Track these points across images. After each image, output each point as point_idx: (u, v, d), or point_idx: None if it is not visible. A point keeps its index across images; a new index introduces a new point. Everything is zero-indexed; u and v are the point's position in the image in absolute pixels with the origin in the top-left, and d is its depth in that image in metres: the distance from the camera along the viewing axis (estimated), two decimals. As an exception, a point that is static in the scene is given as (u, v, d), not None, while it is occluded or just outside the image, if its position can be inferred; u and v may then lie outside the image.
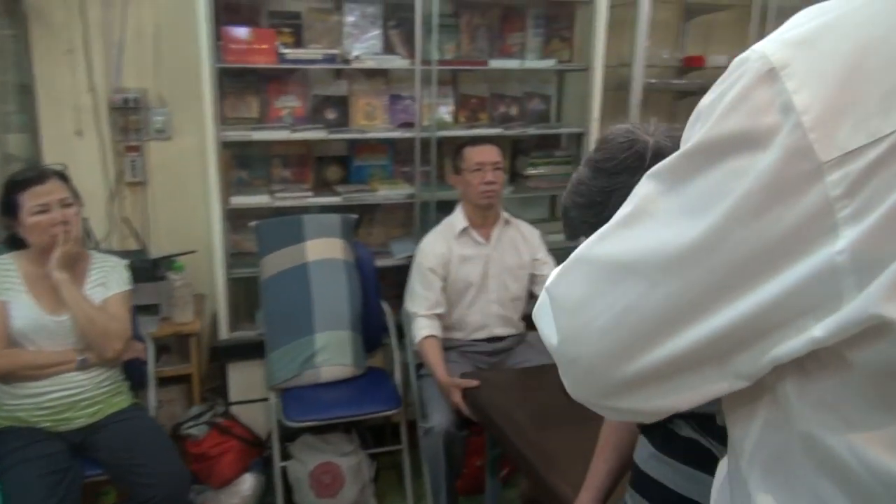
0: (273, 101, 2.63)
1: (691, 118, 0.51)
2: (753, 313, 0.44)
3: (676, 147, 0.92)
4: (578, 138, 2.81)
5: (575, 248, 0.58)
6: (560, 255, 2.32)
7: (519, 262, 2.33)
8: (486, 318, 2.31)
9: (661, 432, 1.09)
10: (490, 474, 2.06)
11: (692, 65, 3.02)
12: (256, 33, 2.41)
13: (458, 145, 2.36)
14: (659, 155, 0.95)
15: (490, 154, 2.25)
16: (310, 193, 2.56)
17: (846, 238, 0.39)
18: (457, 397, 2.01)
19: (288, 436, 2.33)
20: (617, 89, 2.83)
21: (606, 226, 0.54)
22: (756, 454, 0.51)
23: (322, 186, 2.70)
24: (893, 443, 0.41)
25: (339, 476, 2.21)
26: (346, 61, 2.52)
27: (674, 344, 0.49)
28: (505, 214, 2.37)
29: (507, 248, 2.33)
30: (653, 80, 2.86)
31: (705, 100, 0.49)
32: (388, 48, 2.67)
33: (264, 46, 2.42)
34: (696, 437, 1.03)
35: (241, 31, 2.37)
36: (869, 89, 0.39)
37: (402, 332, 2.50)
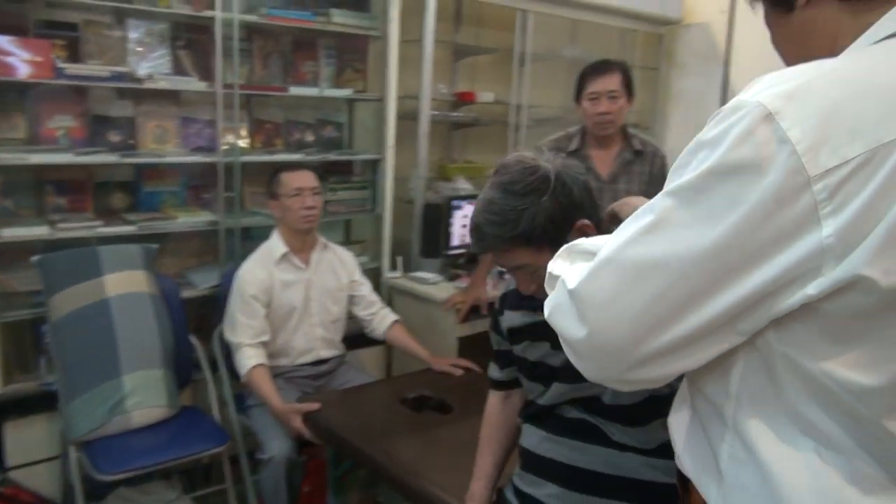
0: (45, 121, 2.34)
1: (690, 147, 0.67)
2: (763, 285, 0.62)
3: (572, 174, 1.11)
4: (374, 164, 2.95)
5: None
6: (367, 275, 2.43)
7: (338, 284, 2.39)
8: (311, 341, 2.33)
9: (552, 419, 1.27)
10: (334, 493, 2.08)
11: (464, 99, 3.36)
12: (27, 44, 2.14)
13: (274, 171, 2.35)
14: (560, 179, 1.13)
15: (308, 179, 2.28)
16: (98, 223, 2.32)
17: (830, 227, 0.59)
18: (297, 422, 2.00)
19: (94, 493, 2.07)
20: (403, 118, 3.04)
21: (627, 234, 0.68)
22: (741, 395, 0.69)
23: (106, 215, 2.46)
24: (854, 363, 0.61)
25: (164, 527, 2.04)
26: (137, 80, 2.35)
27: (695, 318, 0.64)
28: (322, 239, 2.41)
29: (325, 271, 2.37)
30: (435, 112, 3.12)
31: (707, 134, 0.65)
32: (178, 69, 2.55)
33: (38, 59, 2.16)
34: (584, 417, 1.23)
35: (2, 40, 2.08)
36: (839, 129, 0.59)
37: (215, 366, 2.38)
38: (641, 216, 0.68)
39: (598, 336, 0.69)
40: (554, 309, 0.75)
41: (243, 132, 2.71)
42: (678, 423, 0.80)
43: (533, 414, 1.31)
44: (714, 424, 0.72)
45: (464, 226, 2.97)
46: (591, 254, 0.74)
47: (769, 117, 0.61)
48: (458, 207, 2.94)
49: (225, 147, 2.54)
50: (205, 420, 2.26)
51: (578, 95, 2.30)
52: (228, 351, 2.38)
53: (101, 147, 2.40)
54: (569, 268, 0.77)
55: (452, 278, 2.87)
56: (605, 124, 2.23)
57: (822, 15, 0.72)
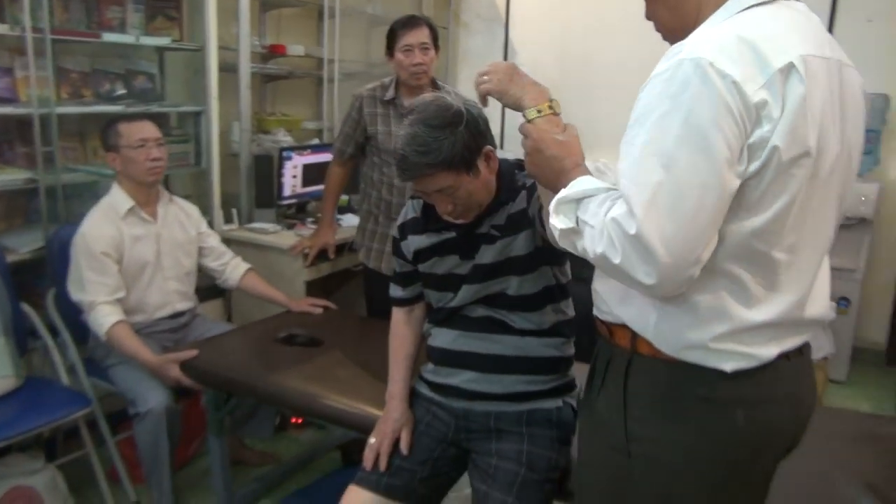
0: None
1: (654, 94, 0.90)
2: (742, 171, 0.89)
3: (475, 109, 1.34)
4: (196, 116, 2.89)
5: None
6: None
7: (187, 237, 2.37)
8: (166, 295, 2.30)
9: (461, 319, 1.52)
10: (215, 434, 2.14)
11: (276, 52, 3.38)
12: None
13: (109, 121, 2.23)
14: (470, 113, 1.36)
15: (151, 129, 2.22)
16: None
17: (766, 124, 0.88)
18: (175, 371, 2.01)
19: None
20: (221, 70, 2.99)
21: (652, 177, 0.87)
22: None
23: None
24: (756, 219, 0.92)
25: (35, 498, 1.93)
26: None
27: (720, 214, 0.90)
28: (166, 192, 2.36)
29: (173, 224, 2.33)
30: (251, 65, 3.12)
31: (671, 87, 0.88)
32: (-34, 9, 2.27)
33: None
34: (490, 314, 1.50)
35: None
36: (751, 66, 0.87)
37: (55, 331, 2.25)
38: (648, 159, 0.88)
39: (671, 267, 0.87)
40: (623, 259, 0.89)
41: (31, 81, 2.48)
42: (610, 288, 1.08)
43: (443, 318, 1.56)
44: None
45: (294, 176, 3.06)
46: (585, 199, 0.95)
47: (711, 63, 0.88)
48: (289, 158, 3.01)
49: (24, 99, 2.33)
50: (55, 387, 2.15)
51: (391, 49, 2.46)
52: (68, 315, 2.27)
53: None
54: (592, 219, 0.93)
55: (290, 227, 2.96)
56: (419, 74, 2.43)
57: None
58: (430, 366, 1.61)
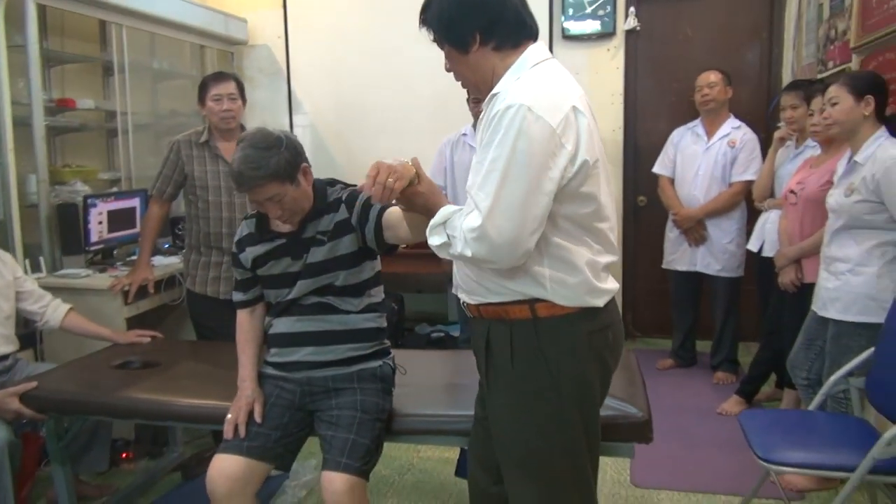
0: None
1: (492, 126, 1.31)
2: (558, 179, 1.31)
3: (291, 136, 1.83)
4: (-10, 170, 2.91)
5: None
6: None
7: (4, 282, 2.43)
8: (-13, 339, 2.35)
9: (297, 308, 1.91)
10: (59, 463, 2.23)
11: (66, 105, 3.47)
12: None
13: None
14: (288, 137, 1.81)
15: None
16: None
17: (568, 145, 1.30)
18: (16, 404, 2.10)
19: None
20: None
21: (491, 189, 1.28)
22: (546, 234, 1.37)
23: None
24: (579, 205, 1.36)
25: None
26: None
27: (542, 212, 1.31)
28: (-22, 239, 2.42)
29: (-11, 270, 2.40)
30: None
31: (501, 125, 1.28)
32: None
33: None
34: (320, 300, 1.90)
35: None
36: (553, 108, 1.29)
37: None
38: (490, 175, 1.27)
39: (505, 248, 1.29)
40: (475, 252, 1.29)
41: None
42: (518, 278, 1.38)
43: (282, 310, 1.93)
44: (545, 259, 1.38)
45: (100, 222, 3.18)
46: (448, 220, 1.35)
47: (530, 109, 1.26)
48: (94, 205, 3.13)
49: None
50: None
51: (202, 98, 2.82)
52: None
53: None
54: (454, 229, 1.33)
55: (103, 270, 3.06)
56: (228, 119, 2.80)
57: (485, 57, 1.39)
58: (274, 350, 1.96)
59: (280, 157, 1.75)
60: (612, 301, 1.47)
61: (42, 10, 3.30)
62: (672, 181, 3.74)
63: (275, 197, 1.77)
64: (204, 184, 2.75)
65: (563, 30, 4.25)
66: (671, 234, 3.78)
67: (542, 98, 1.30)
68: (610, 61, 4.26)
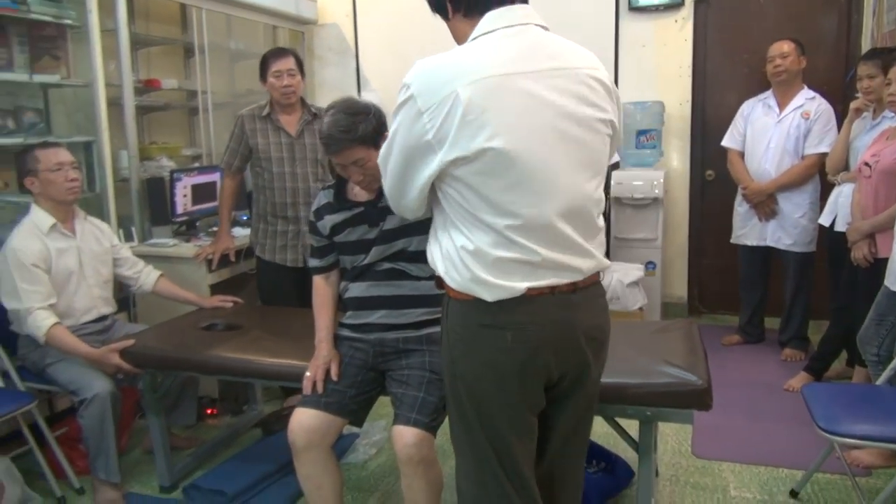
0: None
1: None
2: (425, 166, 1.31)
3: (376, 104, 1.86)
4: (86, 146, 3.14)
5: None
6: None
7: (102, 249, 2.65)
8: (91, 300, 2.56)
9: (371, 273, 2.02)
10: (154, 414, 2.45)
11: (151, 85, 3.68)
12: None
13: (24, 150, 2.49)
14: (375, 105, 1.89)
15: (66, 154, 2.50)
16: None
17: (430, 133, 1.26)
18: (116, 359, 2.32)
19: None
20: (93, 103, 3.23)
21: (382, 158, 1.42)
22: (445, 217, 1.42)
23: None
24: (479, 189, 1.29)
25: (-5, 484, 2.14)
26: None
27: (413, 188, 1.39)
28: (80, 210, 2.64)
29: (90, 238, 2.61)
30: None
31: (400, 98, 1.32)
32: None
33: None
34: (392, 266, 2.01)
35: None
36: (430, 89, 1.25)
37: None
38: (386, 149, 1.38)
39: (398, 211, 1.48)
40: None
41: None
42: (432, 249, 1.46)
43: (357, 275, 2.05)
44: (443, 237, 1.40)
45: (185, 195, 3.38)
46: None
47: (407, 86, 1.30)
48: (179, 179, 3.33)
49: None
50: (-7, 389, 2.36)
51: (264, 75, 2.95)
52: (-5, 328, 2.48)
53: None
54: None
55: (188, 240, 3.28)
56: (288, 94, 2.93)
57: (458, 23, 1.37)
58: (349, 313, 2.09)
59: (367, 123, 1.85)
60: (526, 303, 1.32)
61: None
62: (742, 155, 3.68)
63: (359, 161, 1.88)
64: (268, 155, 2.90)
65: (629, 0, 4.20)
66: (740, 208, 3.73)
67: (426, 77, 1.29)
68: (678, 32, 4.19)
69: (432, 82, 1.27)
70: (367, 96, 4.83)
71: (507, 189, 1.28)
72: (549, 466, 1.54)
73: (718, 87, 4.25)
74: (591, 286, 1.41)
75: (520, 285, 1.31)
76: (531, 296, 1.32)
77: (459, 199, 1.32)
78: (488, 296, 1.33)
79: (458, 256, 1.35)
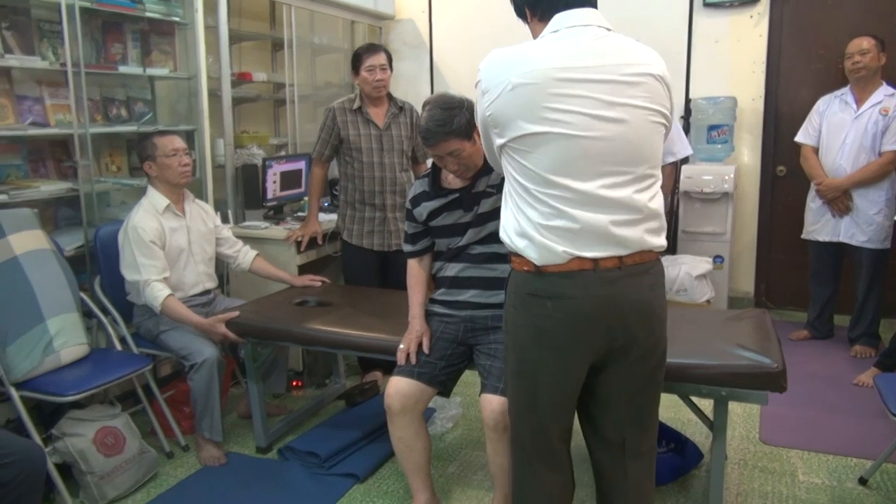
0: None
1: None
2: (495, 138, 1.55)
3: (468, 99, 2.03)
4: (190, 134, 3.39)
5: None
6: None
7: (207, 229, 2.89)
8: (198, 276, 2.81)
9: (465, 256, 2.18)
10: (253, 380, 2.67)
11: (244, 78, 3.93)
12: None
13: (143, 136, 2.75)
14: (467, 100, 2.04)
15: (180, 142, 2.74)
16: (-27, 193, 2.46)
17: (489, 110, 1.51)
18: (222, 328, 2.55)
19: (44, 423, 2.34)
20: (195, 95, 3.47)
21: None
22: (511, 185, 1.59)
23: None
24: (530, 160, 1.48)
25: (119, 435, 2.39)
26: (-11, 59, 2.53)
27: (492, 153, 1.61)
28: (189, 193, 2.88)
29: (197, 219, 2.85)
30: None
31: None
32: (6, 48, 2.72)
33: None
34: (484, 250, 2.16)
35: None
36: (492, 79, 1.49)
37: (105, 311, 2.72)
38: None
39: None
40: None
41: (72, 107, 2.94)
42: (501, 217, 1.67)
43: (452, 256, 2.21)
44: (505, 208, 1.59)
45: (274, 181, 3.61)
46: None
47: (480, 70, 1.53)
48: (270, 167, 3.56)
49: (53, 124, 2.81)
50: (115, 353, 2.63)
51: (356, 69, 3.14)
52: (113, 298, 2.75)
53: (-55, 123, 2.50)
54: None
55: (277, 223, 3.51)
56: (379, 87, 3.12)
57: (535, 26, 1.57)
58: (442, 290, 2.25)
59: (461, 116, 2.01)
60: (568, 277, 1.48)
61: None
62: (816, 150, 3.69)
63: (455, 152, 2.03)
64: (358, 146, 3.09)
65: (704, -3, 4.24)
66: (813, 203, 3.74)
67: (492, 64, 1.51)
68: (753, 28, 4.21)
69: (494, 69, 1.49)
70: (440, 90, 4.99)
71: (550, 167, 1.46)
72: (614, 437, 1.64)
73: (792, 83, 4.24)
74: (639, 264, 1.52)
75: (558, 248, 1.47)
76: (574, 269, 1.48)
77: (514, 174, 1.52)
78: (536, 257, 1.49)
79: (516, 221, 1.53)
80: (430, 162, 2.40)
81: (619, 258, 1.49)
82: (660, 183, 1.56)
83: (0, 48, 2.67)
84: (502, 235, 1.60)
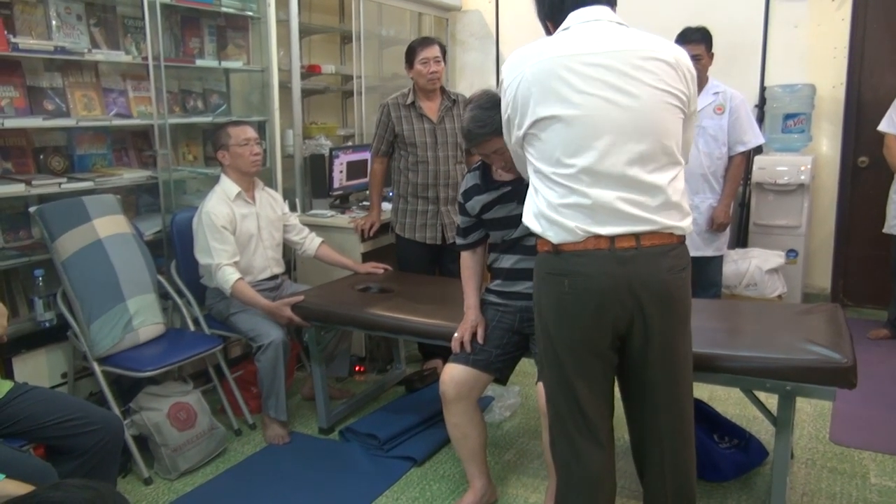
0: (-11, 92, 2.56)
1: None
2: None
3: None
4: (262, 125, 3.51)
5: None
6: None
7: (275, 216, 3.00)
8: (266, 261, 2.92)
9: (520, 248, 2.18)
10: (317, 363, 2.76)
11: (313, 70, 4.03)
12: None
13: (218, 126, 2.87)
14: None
15: (252, 131, 2.85)
16: (63, 179, 2.63)
17: (507, 111, 1.64)
18: (289, 312, 2.64)
19: (123, 396, 2.50)
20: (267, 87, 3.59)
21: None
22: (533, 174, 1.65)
23: (50, 175, 2.74)
24: (545, 146, 1.59)
25: (191, 411, 2.52)
26: (79, 54, 2.69)
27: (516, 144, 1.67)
28: (259, 181, 2.99)
29: (266, 206, 2.96)
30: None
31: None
32: (94, 44, 2.89)
33: (-7, 34, 2.42)
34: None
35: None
36: (510, 72, 1.62)
37: (179, 294, 2.86)
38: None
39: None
40: None
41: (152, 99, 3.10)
42: (526, 204, 1.71)
43: (507, 248, 2.21)
44: (529, 195, 1.67)
45: (341, 171, 3.70)
46: None
47: (502, 73, 1.61)
48: (337, 157, 3.65)
49: (135, 115, 2.97)
50: (189, 333, 2.77)
51: (410, 62, 3.17)
52: (188, 281, 2.89)
53: (39, 115, 2.68)
54: None
55: (343, 212, 3.59)
56: (434, 80, 3.14)
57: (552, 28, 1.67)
58: (498, 281, 2.27)
59: (502, 115, 2.01)
60: (584, 255, 1.54)
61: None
62: (901, 140, 3.50)
63: (499, 150, 2.03)
64: (412, 140, 3.12)
65: (783, -19, 4.07)
66: (896, 196, 3.56)
67: (510, 62, 1.64)
68: (835, 12, 4.02)
69: (511, 66, 1.61)
70: (506, 80, 4.98)
71: (561, 146, 1.53)
72: (642, 426, 1.68)
73: (878, 70, 4.03)
74: (658, 246, 1.55)
75: (571, 223, 1.53)
76: (589, 248, 1.54)
77: (532, 161, 1.61)
78: (553, 236, 1.57)
79: (535, 204, 1.62)
80: None
81: (636, 237, 1.53)
82: (682, 170, 1.61)
83: (88, 44, 2.84)
84: (525, 219, 1.67)
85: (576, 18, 1.60)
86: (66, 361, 2.63)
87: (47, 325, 2.51)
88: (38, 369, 2.50)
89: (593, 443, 1.65)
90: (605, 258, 1.53)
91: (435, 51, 3.12)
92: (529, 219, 1.65)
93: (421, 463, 2.55)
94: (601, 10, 1.60)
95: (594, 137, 1.51)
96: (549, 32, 1.69)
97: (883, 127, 3.57)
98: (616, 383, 1.70)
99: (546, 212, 1.58)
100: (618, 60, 1.51)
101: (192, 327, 2.82)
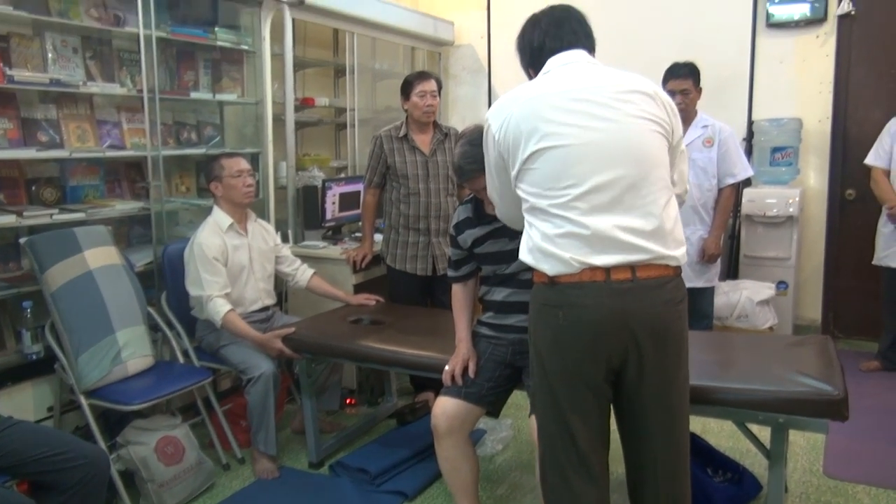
0: (-16, 123, 2.57)
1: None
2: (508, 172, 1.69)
3: None
4: (255, 156, 3.53)
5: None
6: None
7: (267, 247, 2.99)
8: (257, 292, 2.91)
9: (514, 282, 2.18)
10: (307, 396, 2.73)
11: (307, 103, 4.07)
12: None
13: (211, 158, 2.88)
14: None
15: (245, 163, 2.86)
16: (55, 210, 2.63)
17: (497, 149, 1.69)
18: (279, 344, 2.62)
19: (109, 430, 2.45)
20: (261, 119, 3.63)
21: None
22: (527, 218, 1.68)
23: (41, 207, 2.73)
24: (533, 185, 1.62)
25: (179, 445, 2.48)
26: (74, 86, 2.71)
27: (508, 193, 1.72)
28: (252, 213, 2.99)
29: (258, 237, 2.96)
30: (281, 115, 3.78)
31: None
32: (89, 76, 2.91)
33: (-10, 67, 2.44)
34: (531, 276, 2.17)
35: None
36: (498, 118, 1.67)
37: (170, 325, 2.84)
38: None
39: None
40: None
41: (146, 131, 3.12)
42: (523, 240, 1.72)
43: (499, 282, 2.21)
44: (524, 232, 1.68)
45: (333, 203, 3.71)
46: None
47: (487, 119, 1.68)
48: (330, 188, 3.67)
49: (129, 147, 2.98)
50: (178, 365, 2.74)
51: (407, 94, 3.21)
52: (178, 313, 2.87)
53: (32, 146, 2.68)
54: None
55: (335, 243, 3.60)
56: (429, 113, 3.19)
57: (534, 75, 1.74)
58: (490, 314, 2.26)
59: None
60: (579, 287, 1.55)
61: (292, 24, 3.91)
62: (888, 173, 3.55)
63: (486, 188, 2.04)
64: (404, 173, 3.14)
65: (767, 16, 4.16)
66: (885, 229, 3.59)
67: (496, 108, 1.70)
68: (819, 48, 4.10)
69: (497, 111, 1.68)
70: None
71: (553, 177, 1.57)
72: (638, 459, 1.68)
73: (862, 104, 4.10)
74: (654, 278, 1.56)
75: (566, 255, 1.55)
76: (585, 280, 1.55)
77: (526, 196, 1.63)
78: (548, 268, 1.58)
79: (530, 237, 1.64)
80: None
81: (632, 269, 1.54)
82: (673, 195, 1.64)
83: (84, 76, 2.87)
84: (521, 255, 1.68)
85: (555, 63, 1.68)
86: (53, 394, 2.60)
87: (34, 357, 2.48)
88: (23, 403, 2.47)
89: (586, 477, 1.63)
90: (600, 290, 1.54)
91: (432, 85, 3.17)
92: (525, 254, 1.67)
93: (412, 498, 2.52)
94: (578, 54, 1.69)
95: (584, 164, 1.55)
96: (531, 79, 1.76)
97: (869, 160, 3.62)
98: (613, 416, 1.70)
99: (541, 244, 1.59)
100: (598, 94, 1.59)
101: (181, 360, 2.79)
